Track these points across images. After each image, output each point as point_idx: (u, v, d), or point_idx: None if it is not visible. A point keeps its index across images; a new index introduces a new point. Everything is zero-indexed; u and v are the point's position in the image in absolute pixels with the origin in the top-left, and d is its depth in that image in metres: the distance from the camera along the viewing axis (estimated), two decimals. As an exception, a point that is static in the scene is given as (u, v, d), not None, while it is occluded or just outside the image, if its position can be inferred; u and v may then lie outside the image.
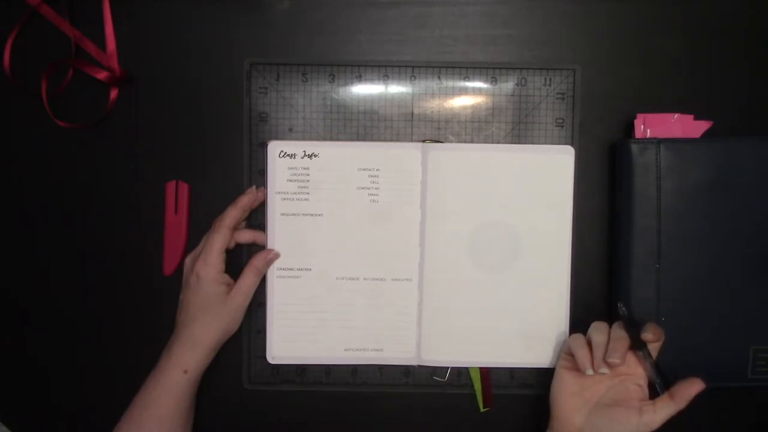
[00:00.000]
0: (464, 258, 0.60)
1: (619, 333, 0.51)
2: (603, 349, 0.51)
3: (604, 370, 0.50)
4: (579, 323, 0.61)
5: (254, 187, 0.60)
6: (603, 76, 0.61)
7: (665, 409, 0.50)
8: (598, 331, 0.53)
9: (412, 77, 0.61)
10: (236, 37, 0.61)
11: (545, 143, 0.61)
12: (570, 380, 0.54)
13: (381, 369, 0.63)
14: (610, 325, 0.53)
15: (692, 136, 0.58)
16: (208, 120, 0.61)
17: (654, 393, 0.52)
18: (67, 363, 0.63)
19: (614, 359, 0.49)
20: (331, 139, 0.61)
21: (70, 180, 0.62)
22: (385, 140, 0.61)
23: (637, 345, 0.51)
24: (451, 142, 0.61)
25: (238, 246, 0.60)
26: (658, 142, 0.57)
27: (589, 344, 0.52)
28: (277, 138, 0.61)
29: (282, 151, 0.59)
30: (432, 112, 0.61)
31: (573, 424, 0.53)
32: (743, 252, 0.57)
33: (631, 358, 0.52)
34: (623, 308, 0.54)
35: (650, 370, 0.51)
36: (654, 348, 0.52)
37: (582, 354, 0.52)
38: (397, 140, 0.61)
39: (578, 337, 0.54)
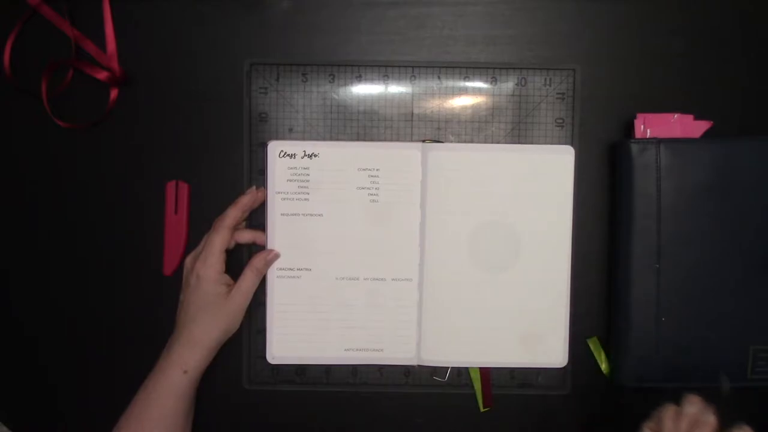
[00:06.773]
0: (464, 258, 0.60)
1: (709, 418, 0.50)
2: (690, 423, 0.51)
3: None
4: (579, 323, 0.61)
5: (254, 187, 0.60)
6: (603, 76, 0.61)
7: None
8: (690, 404, 0.52)
9: (412, 77, 0.61)
10: (236, 37, 0.61)
11: (545, 143, 0.61)
12: None
13: (381, 369, 0.63)
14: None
15: (692, 136, 0.58)
16: (208, 120, 0.61)
17: None
18: (67, 363, 0.63)
19: None
20: (331, 139, 0.61)
21: (70, 180, 0.62)
22: (385, 140, 0.61)
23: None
24: (451, 142, 0.61)
25: (238, 246, 0.60)
26: (658, 142, 0.57)
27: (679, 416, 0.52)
28: (277, 138, 0.61)
29: (282, 151, 0.59)
30: (432, 112, 0.61)
31: None
32: (743, 252, 0.57)
33: None
34: (727, 382, 0.53)
35: None
36: None
37: (670, 426, 0.51)
38: (397, 140, 0.61)
39: (670, 408, 0.53)
